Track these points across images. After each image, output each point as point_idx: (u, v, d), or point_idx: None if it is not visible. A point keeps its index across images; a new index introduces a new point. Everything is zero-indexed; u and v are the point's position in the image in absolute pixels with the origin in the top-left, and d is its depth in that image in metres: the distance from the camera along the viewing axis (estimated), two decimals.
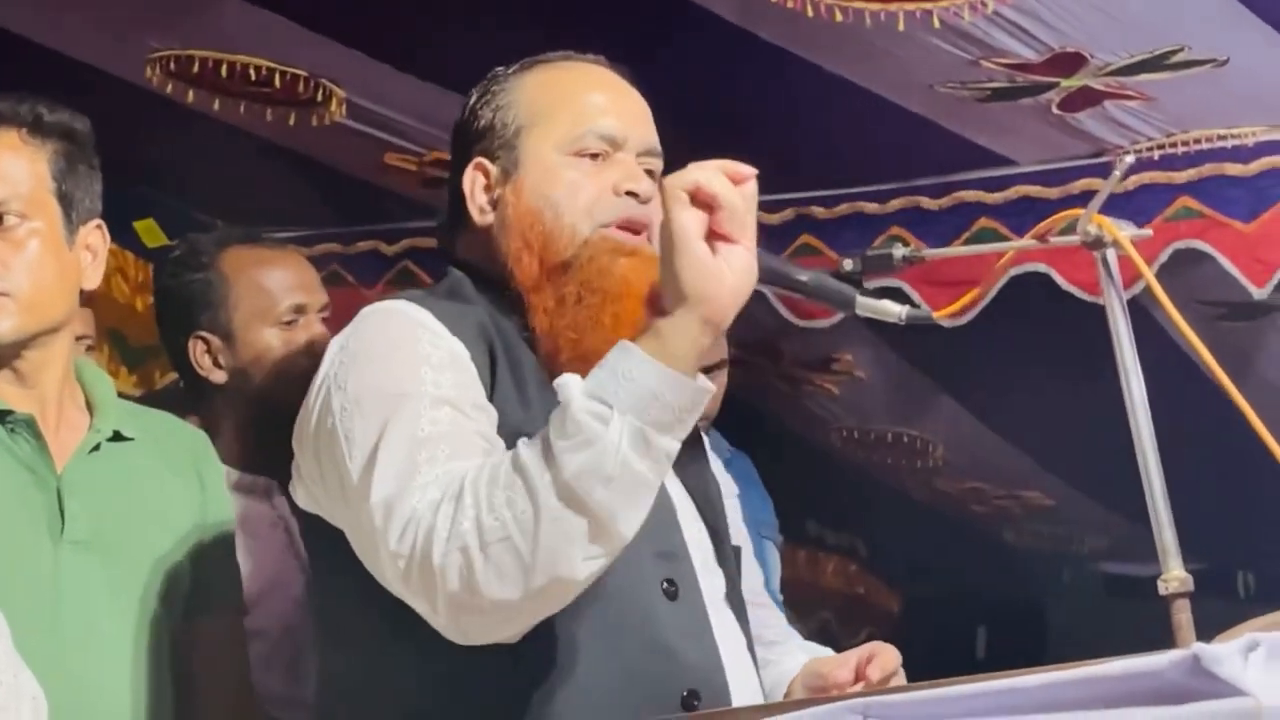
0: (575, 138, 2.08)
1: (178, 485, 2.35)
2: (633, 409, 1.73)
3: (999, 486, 6.81)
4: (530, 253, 2.03)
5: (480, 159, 2.11)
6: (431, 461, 1.81)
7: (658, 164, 2.15)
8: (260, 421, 2.84)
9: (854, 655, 2.18)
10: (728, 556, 2.11)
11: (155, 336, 3.24)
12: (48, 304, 2.21)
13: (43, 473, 2.20)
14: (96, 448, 2.26)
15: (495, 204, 2.09)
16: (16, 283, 2.18)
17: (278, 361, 2.88)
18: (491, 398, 1.95)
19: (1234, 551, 7.18)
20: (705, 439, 2.41)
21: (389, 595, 1.84)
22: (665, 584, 1.98)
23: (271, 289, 2.93)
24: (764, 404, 5.83)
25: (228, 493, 2.49)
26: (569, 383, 1.77)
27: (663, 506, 1.95)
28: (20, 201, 2.20)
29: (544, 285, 2.03)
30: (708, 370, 3.65)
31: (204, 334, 2.91)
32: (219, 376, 2.91)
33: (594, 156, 2.08)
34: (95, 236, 2.28)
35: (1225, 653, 1.23)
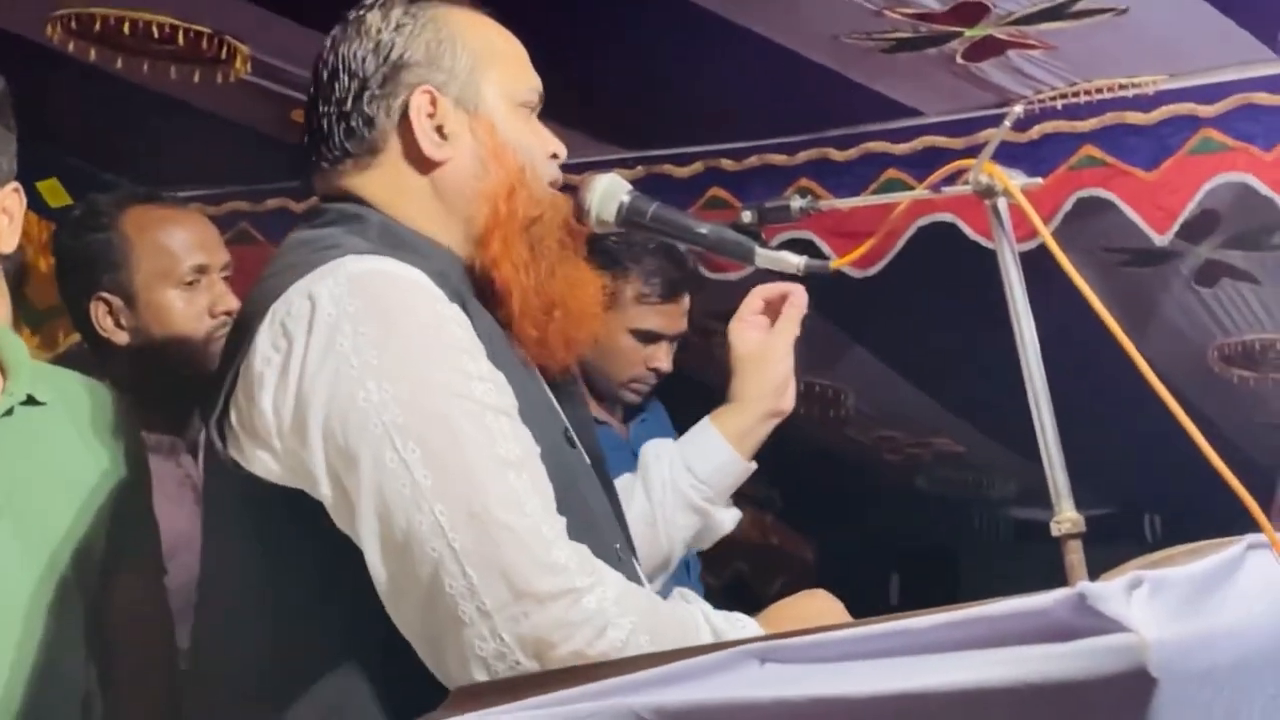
0: (522, 89, 2.04)
1: (91, 447, 2.33)
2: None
3: (910, 434, 6.88)
4: (511, 198, 1.97)
5: (428, 87, 1.97)
6: (538, 502, 1.75)
7: None
8: (164, 381, 2.83)
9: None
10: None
11: (57, 297, 3.21)
12: None
13: None
14: (9, 412, 2.23)
15: (445, 138, 1.98)
16: None
17: (180, 321, 2.87)
18: None
19: (1141, 496, 7.29)
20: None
21: (345, 575, 1.77)
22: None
23: (173, 248, 2.91)
24: (677, 356, 5.85)
25: (144, 451, 2.48)
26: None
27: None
28: None
29: (517, 234, 1.97)
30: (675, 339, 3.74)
31: (105, 295, 2.89)
32: (121, 337, 2.89)
33: (530, 111, 2.06)
34: (12, 200, 2.22)
35: (1110, 590, 1.26)
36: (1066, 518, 1.71)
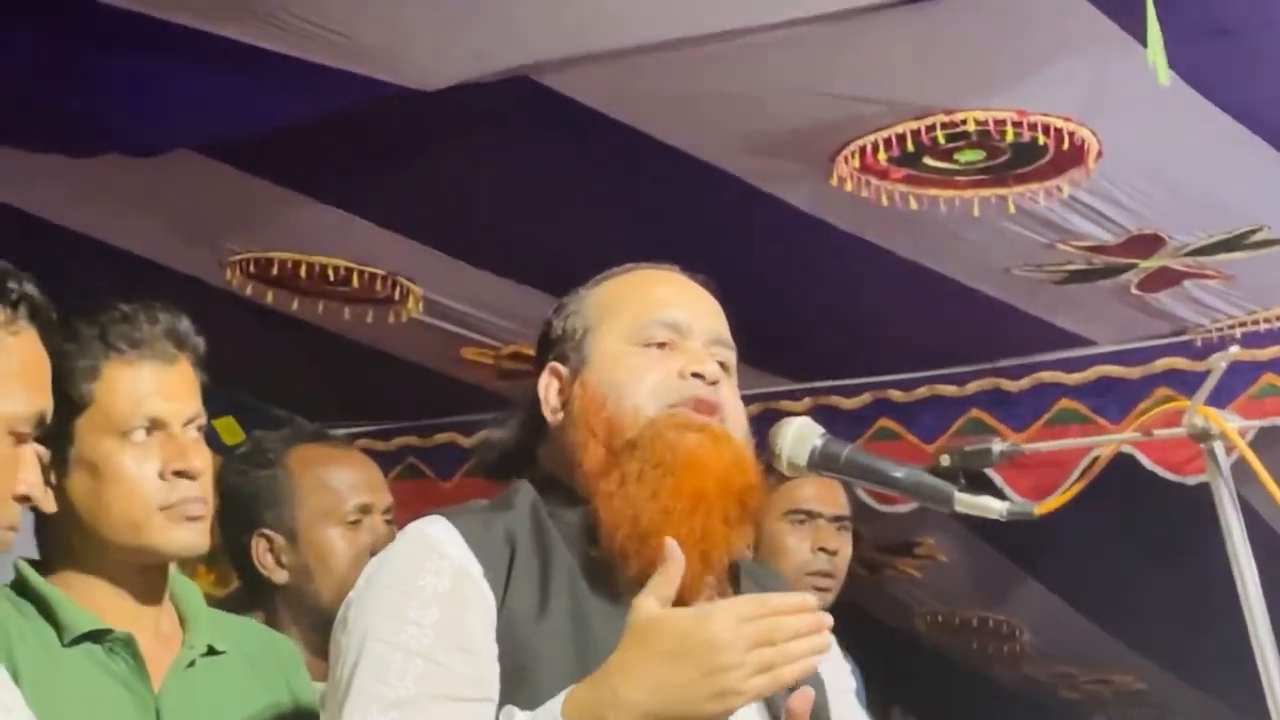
0: (640, 327, 2.09)
1: (270, 700, 2.31)
2: None
3: (1088, 670, 6.68)
4: (595, 439, 2.03)
5: (554, 363, 2.13)
6: None
7: (728, 355, 2.13)
8: (324, 625, 2.81)
9: None
10: None
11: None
12: None
13: (141, 692, 2.15)
14: (191, 664, 2.23)
15: (565, 404, 2.10)
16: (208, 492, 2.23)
17: (341, 561, 2.84)
18: (503, 604, 1.93)
19: None
20: None
21: None
22: None
23: (337, 487, 2.91)
24: (844, 589, 5.77)
25: (318, 705, 2.45)
26: None
27: None
28: (203, 419, 2.25)
29: (610, 469, 2.01)
30: (839, 521, 3.62)
31: (267, 531, 2.88)
32: (281, 576, 2.87)
33: (660, 346, 2.08)
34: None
35: None
36: None
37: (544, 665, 1.89)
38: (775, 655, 1.75)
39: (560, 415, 2.10)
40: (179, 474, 2.17)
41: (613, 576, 1.97)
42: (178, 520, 2.18)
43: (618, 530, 1.97)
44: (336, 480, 2.91)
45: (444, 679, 1.90)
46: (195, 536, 2.20)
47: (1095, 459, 2.15)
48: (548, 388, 2.12)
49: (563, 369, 2.11)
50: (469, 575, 1.94)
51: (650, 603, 1.80)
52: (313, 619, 2.83)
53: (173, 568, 2.27)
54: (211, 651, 2.25)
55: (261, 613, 2.84)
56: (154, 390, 2.19)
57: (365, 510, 2.90)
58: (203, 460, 2.20)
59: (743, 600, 1.82)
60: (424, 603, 1.94)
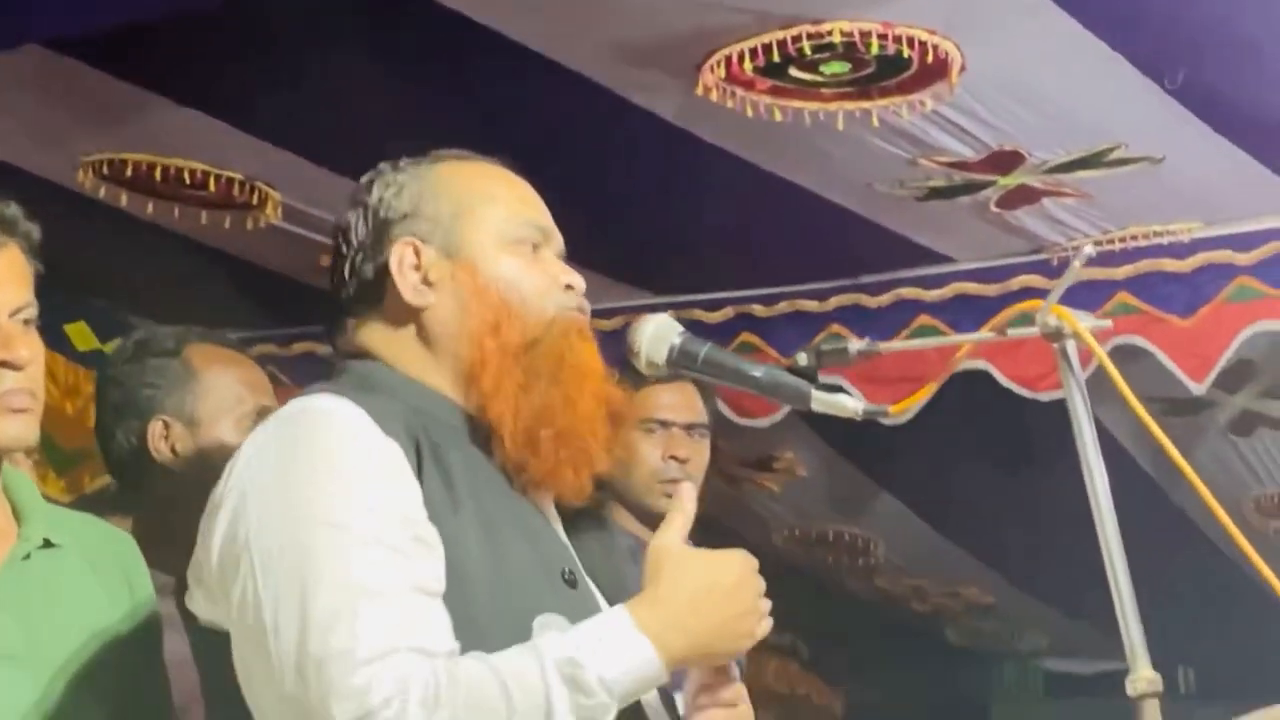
0: (517, 225, 2.06)
1: (106, 593, 2.27)
2: (624, 699, 1.76)
3: (939, 584, 6.79)
4: (496, 333, 1.98)
5: (411, 239, 2.03)
6: (372, 625, 1.71)
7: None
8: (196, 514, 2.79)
9: None
10: None
11: (84, 440, 3.17)
12: None
13: None
14: (27, 557, 2.19)
15: (430, 285, 2.02)
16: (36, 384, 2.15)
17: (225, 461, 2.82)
18: (423, 494, 1.85)
19: (1172, 647, 7.18)
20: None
21: None
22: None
23: (240, 385, 2.88)
24: (702, 502, 5.81)
25: (156, 598, 2.42)
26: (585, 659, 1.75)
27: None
28: (32, 309, 2.17)
29: (510, 366, 1.97)
30: (693, 428, 3.63)
31: (166, 418, 2.85)
32: (175, 463, 2.85)
33: (534, 248, 2.06)
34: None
35: None
36: (1143, 676, 1.66)
37: (469, 564, 1.83)
38: (766, 606, 1.89)
39: (427, 296, 2.02)
40: (2, 364, 2.11)
41: (509, 477, 1.96)
42: (1, 412, 2.12)
43: (523, 432, 1.94)
44: (238, 379, 2.89)
45: (409, 570, 1.77)
46: (21, 429, 2.14)
47: (954, 365, 2.18)
48: (402, 262, 2.02)
49: (422, 245, 2.03)
50: (395, 456, 1.84)
51: (676, 540, 1.88)
52: (190, 510, 2.81)
53: (7, 462, 2.22)
54: (48, 544, 2.21)
55: (129, 518, 2.80)
56: None
57: (263, 413, 2.86)
58: (30, 350, 2.13)
59: (742, 552, 1.92)
60: (363, 483, 1.81)
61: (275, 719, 1.75)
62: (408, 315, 2.02)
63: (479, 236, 2.05)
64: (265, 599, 1.75)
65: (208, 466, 2.81)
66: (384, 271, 2.03)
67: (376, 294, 2.04)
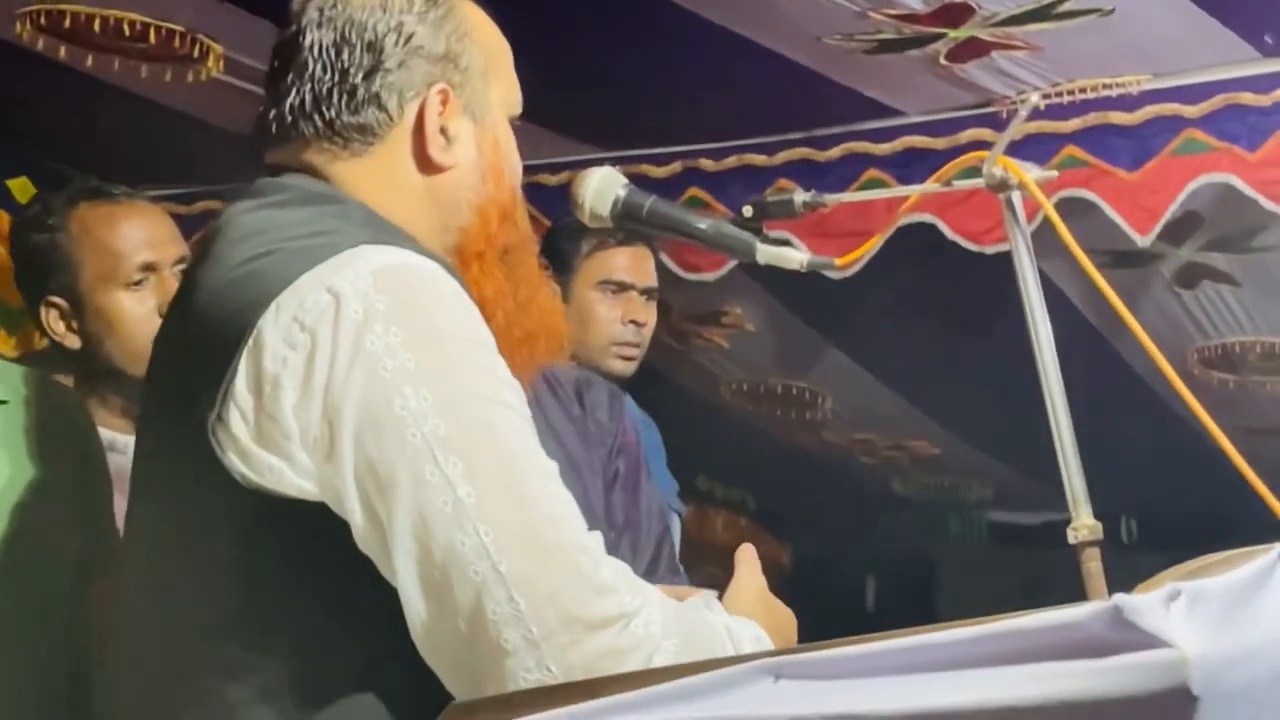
0: (514, 103, 1.93)
1: (51, 447, 2.27)
2: None
3: (886, 437, 6.85)
4: (504, 222, 1.87)
5: (444, 86, 1.82)
6: (580, 517, 1.63)
7: None
8: (117, 384, 2.77)
9: None
10: None
11: None
12: None
13: None
14: None
15: (450, 142, 1.83)
16: None
17: (129, 324, 2.76)
18: None
19: (1115, 497, 7.27)
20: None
21: (361, 602, 1.63)
22: None
23: (118, 249, 2.79)
24: (651, 357, 5.82)
25: (105, 453, 2.41)
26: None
27: None
28: None
29: (494, 257, 1.86)
30: (649, 292, 3.64)
31: (54, 299, 2.81)
32: (73, 341, 2.80)
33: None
34: None
35: (1147, 603, 1.20)
36: (1084, 524, 1.67)
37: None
38: None
39: (451, 155, 1.83)
40: None
41: None
42: None
43: (510, 329, 1.84)
44: (117, 241, 2.80)
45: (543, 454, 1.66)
46: None
47: (899, 217, 2.18)
48: (434, 111, 1.81)
49: (454, 99, 1.83)
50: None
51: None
52: (111, 382, 2.80)
53: None
54: None
55: (69, 375, 2.79)
56: None
57: (150, 268, 2.81)
58: None
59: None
60: (495, 354, 1.67)
61: (467, 601, 1.57)
62: (417, 166, 1.84)
63: (498, 105, 1.90)
64: (456, 479, 1.57)
65: (103, 340, 2.79)
66: (395, 110, 1.81)
67: (380, 127, 1.82)
